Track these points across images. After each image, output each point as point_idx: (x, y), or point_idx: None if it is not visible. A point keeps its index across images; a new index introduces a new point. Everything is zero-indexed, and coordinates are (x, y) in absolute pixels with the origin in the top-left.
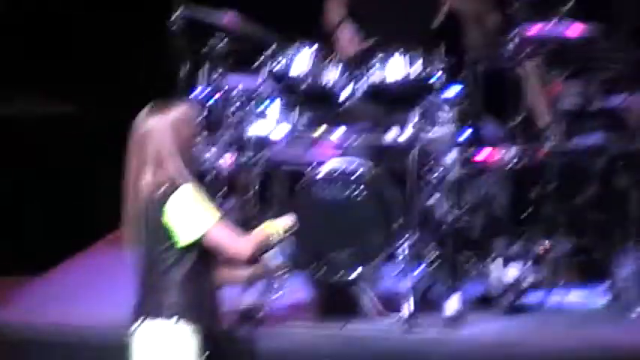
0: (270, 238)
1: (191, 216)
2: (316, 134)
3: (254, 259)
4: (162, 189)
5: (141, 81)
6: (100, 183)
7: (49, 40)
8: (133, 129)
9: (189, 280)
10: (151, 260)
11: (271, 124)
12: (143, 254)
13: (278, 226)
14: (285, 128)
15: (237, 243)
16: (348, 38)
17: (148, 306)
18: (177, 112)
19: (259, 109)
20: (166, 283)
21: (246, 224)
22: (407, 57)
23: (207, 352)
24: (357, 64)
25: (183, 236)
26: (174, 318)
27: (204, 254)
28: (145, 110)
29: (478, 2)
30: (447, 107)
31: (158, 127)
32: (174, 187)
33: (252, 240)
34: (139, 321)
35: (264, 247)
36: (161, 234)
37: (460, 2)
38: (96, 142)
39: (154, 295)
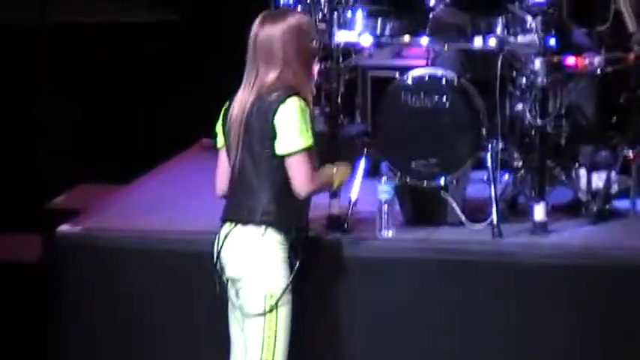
0: (331, 184)
1: (290, 130)
2: (402, 42)
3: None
4: (276, 94)
5: None
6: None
7: None
8: (251, 36)
9: (283, 190)
10: (248, 165)
11: (356, 32)
12: (241, 158)
13: (341, 173)
14: (370, 36)
15: (305, 178)
16: None
17: (240, 211)
18: (298, 20)
19: (344, 18)
20: (261, 191)
21: (332, 134)
22: None
23: (296, 262)
24: None
25: (279, 147)
26: (265, 226)
27: None
28: (262, 17)
29: None
30: (533, 13)
31: (283, 32)
32: (287, 95)
33: (316, 181)
34: (230, 226)
35: (322, 191)
36: (264, 139)
37: None
38: (198, 49)
39: (247, 200)
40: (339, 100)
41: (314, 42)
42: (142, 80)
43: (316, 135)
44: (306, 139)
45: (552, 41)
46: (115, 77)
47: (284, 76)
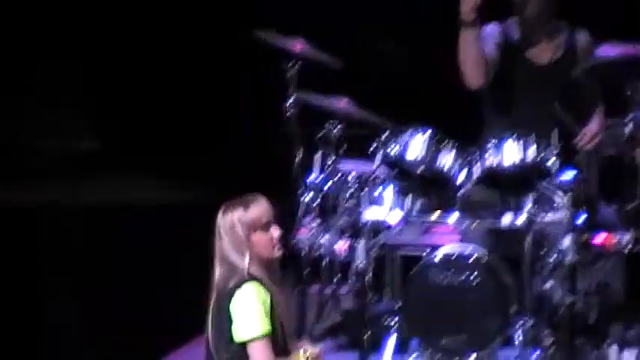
0: None
1: (245, 317)
2: (431, 219)
3: None
4: (231, 283)
5: (255, 167)
6: None
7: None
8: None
9: None
10: (214, 353)
11: (385, 209)
12: (209, 346)
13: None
14: (399, 213)
15: None
16: None
17: None
18: (246, 209)
19: (373, 195)
20: None
21: (361, 310)
22: (521, 142)
23: None
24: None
25: (236, 334)
26: None
27: None
28: (221, 207)
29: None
30: (562, 192)
31: (226, 224)
32: (240, 283)
33: None
34: None
35: None
36: (224, 327)
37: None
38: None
39: None
40: (368, 277)
41: (263, 224)
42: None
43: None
44: (262, 325)
45: (581, 219)
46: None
47: (234, 265)
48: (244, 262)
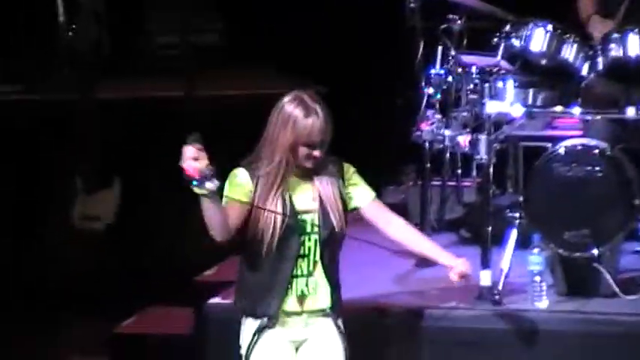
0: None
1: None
2: (554, 112)
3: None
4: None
5: (377, 60)
6: None
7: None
8: None
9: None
10: None
11: (507, 103)
12: None
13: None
14: (521, 107)
15: None
16: (599, 29)
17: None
18: (286, 101)
19: (496, 88)
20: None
21: (483, 203)
22: None
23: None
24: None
25: None
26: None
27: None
28: (290, 94)
29: None
30: None
31: (283, 115)
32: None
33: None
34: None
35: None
36: None
37: None
38: None
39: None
40: (490, 171)
41: (295, 133)
42: None
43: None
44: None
45: None
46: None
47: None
48: (264, 161)
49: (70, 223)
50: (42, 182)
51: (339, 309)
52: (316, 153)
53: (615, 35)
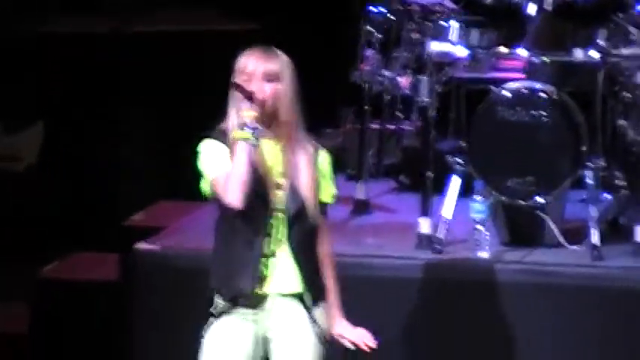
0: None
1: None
2: (499, 54)
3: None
4: None
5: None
6: None
7: None
8: None
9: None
10: None
11: (450, 43)
12: None
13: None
14: (464, 48)
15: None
16: None
17: None
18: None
19: (438, 28)
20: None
21: (424, 149)
22: None
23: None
24: None
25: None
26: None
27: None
28: None
29: None
30: (638, 25)
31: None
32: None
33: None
34: None
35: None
36: None
37: None
38: None
39: None
40: (432, 114)
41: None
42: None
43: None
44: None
45: None
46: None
47: None
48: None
49: None
50: None
51: (317, 298)
52: (259, 87)
53: None
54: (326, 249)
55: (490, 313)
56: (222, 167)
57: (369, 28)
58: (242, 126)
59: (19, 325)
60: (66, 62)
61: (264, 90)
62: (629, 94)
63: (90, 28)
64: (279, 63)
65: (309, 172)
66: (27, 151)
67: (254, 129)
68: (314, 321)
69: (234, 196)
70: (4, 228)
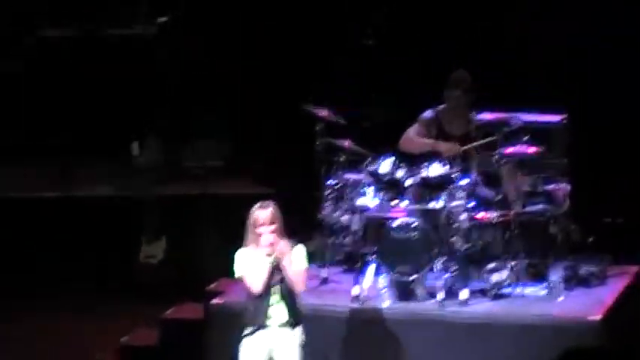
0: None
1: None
2: (392, 204)
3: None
4: None
5: (299, 178)
6: None
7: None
8: None
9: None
10: None
11: (369, 198)
12: None
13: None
14: (376, 201)
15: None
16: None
17: None
18: (252, 209)
19: (363, 191)
20: None
21: (355, 251)
22: (441, 163)
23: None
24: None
25: None
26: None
27: None
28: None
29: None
30: (461, 190)
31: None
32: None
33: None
34: None
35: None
36: None
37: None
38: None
39: None
40: (360, 234)
41: (250, 219)
42: None
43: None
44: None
45: (471, 204)
46: None
47: None
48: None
49: None
50: None
51: (298, 322)
52: (265, 230)
53: (425, 163)
54: (298, 290)
55: (390, 339)
56: (246, 270)
57: (327, 190)
58: (267, 254)
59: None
60: None
61: (270, 238)
62: (457, 224)
63: None
64: (275, 210)
65: (290, 261)
66: None
67: (271, 256)
68: (298, 338)
69: (257, 288)
70: None
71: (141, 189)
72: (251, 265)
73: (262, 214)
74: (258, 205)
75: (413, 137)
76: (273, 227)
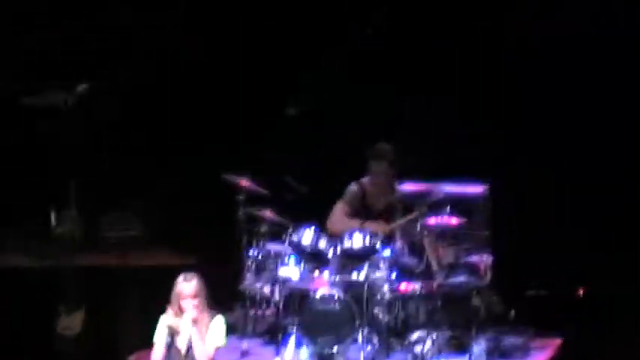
0: None
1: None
2: (315, 274)
3: None
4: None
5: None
6: None
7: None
8: None
9: None
10: None
11: (291, 269)
12: None
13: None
14: (298, 272)
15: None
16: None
17: None
18: (177, 282)
19: (284, 262)
20: None
21: (276, 322)
22: (362, 233)
23: None
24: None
25: None
26: None
27: None
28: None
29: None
30: (383, 261)
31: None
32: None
33: None
34: None
35: None
36: None
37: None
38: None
39: None
40: (281, 304)
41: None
42: None
43: None
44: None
45: (393, 275)
46: None
47: None
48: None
49: None
50: None
51: None
52: (187, 304)
53: (348, 234)
54: None
55: None
56: (157, 339)
57: (249, 261)
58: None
59: None
60: None
61: (194, 313)
62: (379, 296)
63: None
64: (198, 283)
65: (206, 332)
66: None
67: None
68: None
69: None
70: None
71: (58, 259)
72: (162, 336)
73: (186, 288)
74: (182, 277)
75: (340, 219)
76: (196, 302)
